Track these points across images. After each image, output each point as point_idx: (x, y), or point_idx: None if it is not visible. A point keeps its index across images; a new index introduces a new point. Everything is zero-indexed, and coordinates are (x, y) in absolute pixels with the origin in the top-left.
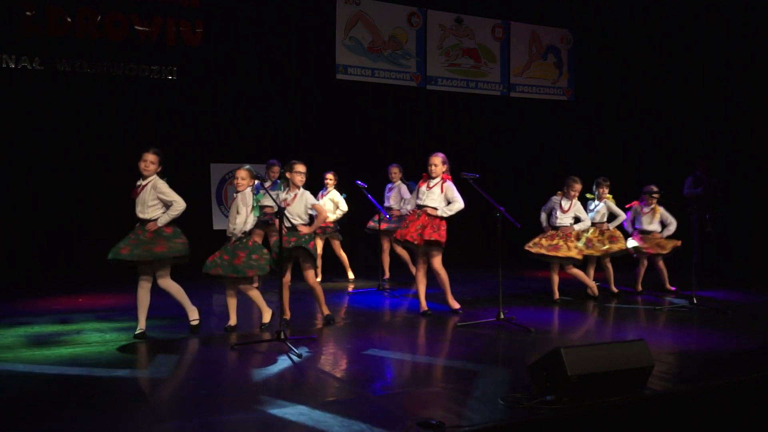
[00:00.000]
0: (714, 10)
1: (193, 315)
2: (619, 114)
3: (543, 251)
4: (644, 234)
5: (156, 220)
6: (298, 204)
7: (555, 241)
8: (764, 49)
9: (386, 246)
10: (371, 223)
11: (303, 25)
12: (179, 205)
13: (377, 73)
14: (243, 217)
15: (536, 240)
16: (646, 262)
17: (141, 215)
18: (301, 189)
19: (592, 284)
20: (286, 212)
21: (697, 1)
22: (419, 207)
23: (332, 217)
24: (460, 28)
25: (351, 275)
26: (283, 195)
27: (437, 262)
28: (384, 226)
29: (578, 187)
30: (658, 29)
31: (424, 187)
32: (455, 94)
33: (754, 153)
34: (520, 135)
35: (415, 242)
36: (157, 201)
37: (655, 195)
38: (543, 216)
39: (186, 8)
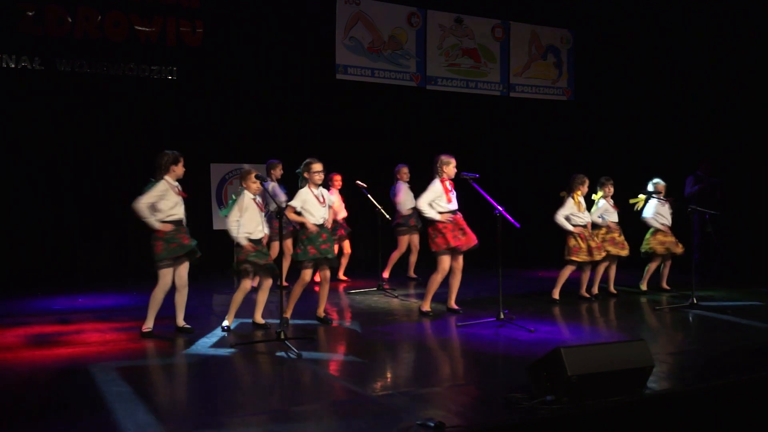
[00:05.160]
0: (714, 10)
1: (182, 321)
2: (619, 114)
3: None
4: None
5: None
6: (328, 201)
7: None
8: (765, 48)
9: (403, 246)
10: (401, 225)
11: (303, 25)
12: None
13: (377, 73)
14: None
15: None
16: (659, 261)
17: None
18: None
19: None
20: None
21: (697, 1)
22: (453, 212)
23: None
24: (460, 28)
25: (342, 276)
26: (317, 195)
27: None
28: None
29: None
30: (659, 29)
31: (448, 192)
32: (455, 94)
33: (754, 153)
34: (520, 135)
35: (474, 245)
36: None
37: (655, 194)
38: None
39: (186, 8)
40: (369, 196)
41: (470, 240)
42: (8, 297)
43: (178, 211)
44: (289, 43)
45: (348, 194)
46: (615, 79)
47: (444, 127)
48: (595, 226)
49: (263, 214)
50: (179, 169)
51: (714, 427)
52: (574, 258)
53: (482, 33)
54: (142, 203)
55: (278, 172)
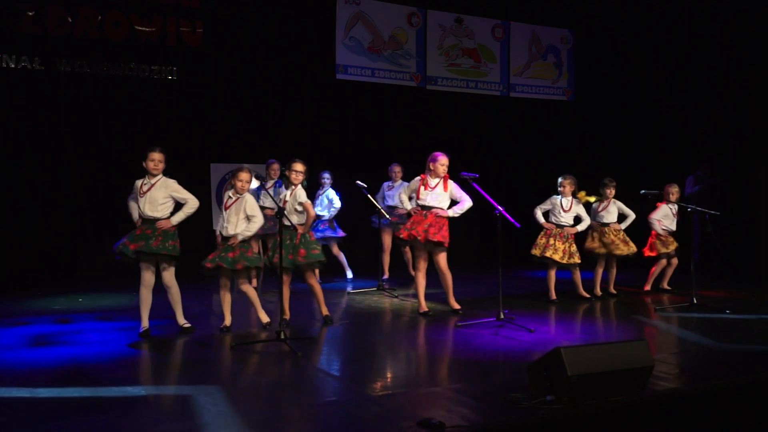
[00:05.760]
0: (714, 10)
1: (183, 320)
2: (619, 114)
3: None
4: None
5: (166, 218)
6: (291, 202)
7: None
8: (765, 48)
9: (387, 245)
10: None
11: (303, 25)
12: (194, 202)
13: (377, 73)
14: (258, 223)
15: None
16: (663, 262)
17: (151, 213)
18: (298, 186)
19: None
20: (285, 212)
21: (697, 1)
22: (423, 207)
23: (327, 214)
24: (460, 28)
25: (350, 274)
26: (282, 194)
27: (444, 262)
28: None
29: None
30: (659, 29)
31: (422, 187)
32: (455, 94)
33: (754, 152)
34: (520, 135)
35: (419, 238)
36: (168, 199)
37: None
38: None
39: (186, 8)
40: (369, 196)
41: (411, 233)
42: (8, 297)
43: (138, 210)
44: (289, 43)
45: (348, 194)
46: (615, 79)
47: (444, 127)
48: (590, 226)
49: (232, 212)
50: (147, 164)
51: (714, 427)
52: (531, 251)
53: (482, 33)
54: (129, 201)
55: (275, 172)
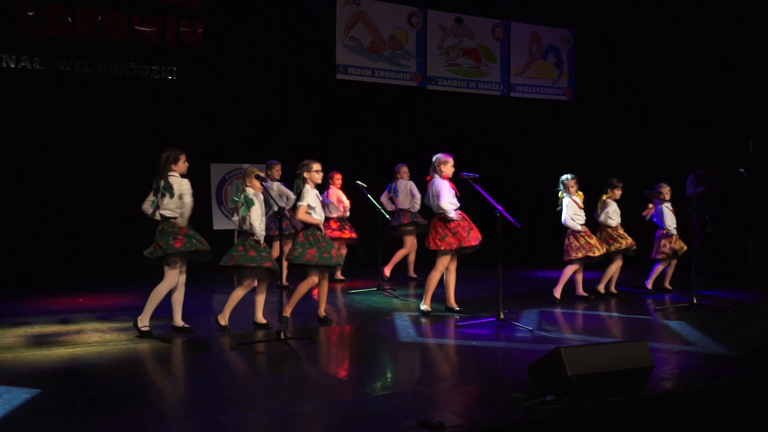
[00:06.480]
0: (714, 10)
1: (181, 321)
2: (619, 114)
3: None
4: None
5: None
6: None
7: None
8: (765, 47)
9: (413, 245)
10: (408, 224)
11: (303, 25)
12: None
13: (377, 73)
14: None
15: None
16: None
17: None
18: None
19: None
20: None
21: (698, 1)
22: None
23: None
24: (460, 28)
25: (340, 276)
26: (317, 195)
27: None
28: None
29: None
30: (659, 29)
31: (454, 191)
32: (455, 94)
33: (754, 152)
34: (520, 135)
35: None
36: None
37: (655, 194)
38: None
39: (186, 8)
40: (369, 196)
41: (478, 235)
42: (8, 297)
43: (188, 210)
44: (289, 43)
45: (348, 194)
46: (615, 79)
47: (444, 127)
48: (597, 224)
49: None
50: (184, 165)
51: (714, 427)
52: (582, 255)
53: (482, 33)
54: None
55: (277, 172)
